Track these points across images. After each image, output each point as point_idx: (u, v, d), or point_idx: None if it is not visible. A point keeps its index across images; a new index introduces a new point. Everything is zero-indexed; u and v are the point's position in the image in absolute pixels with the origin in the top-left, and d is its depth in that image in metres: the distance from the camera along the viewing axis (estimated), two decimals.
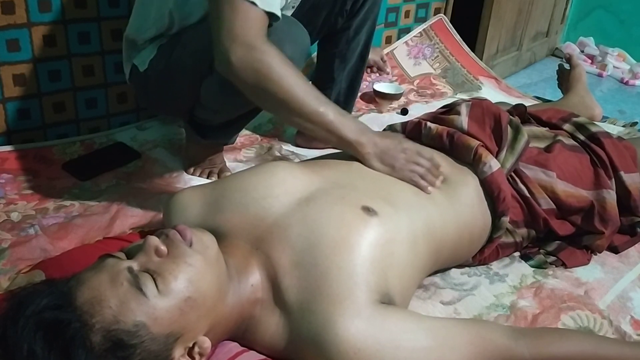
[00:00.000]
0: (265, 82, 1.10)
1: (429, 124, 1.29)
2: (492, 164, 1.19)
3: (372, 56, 2.19)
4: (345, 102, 1.80)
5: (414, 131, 1.30)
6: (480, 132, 1.25)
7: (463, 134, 1.24)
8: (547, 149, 1.31)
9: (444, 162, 1.20)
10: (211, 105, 1.40)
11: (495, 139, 1.26)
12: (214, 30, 1.13)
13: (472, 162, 1.21)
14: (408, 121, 1.34)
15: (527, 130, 1.30)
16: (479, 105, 1.30)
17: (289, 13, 1.50)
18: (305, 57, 1.33)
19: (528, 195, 1.24)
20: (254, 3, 1.11)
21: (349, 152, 1.16)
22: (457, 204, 1.15)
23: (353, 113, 1.99)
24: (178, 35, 1.39)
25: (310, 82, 1.81)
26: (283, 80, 1.10)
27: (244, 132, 1.86)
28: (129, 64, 1.49)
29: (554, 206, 1.25)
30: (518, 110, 1.45)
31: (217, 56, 1.13)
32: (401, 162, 1.14)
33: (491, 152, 1.23)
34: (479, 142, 1.22)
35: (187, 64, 1.35)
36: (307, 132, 1.18)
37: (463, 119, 1.27)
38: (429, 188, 1.13)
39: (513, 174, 1.25)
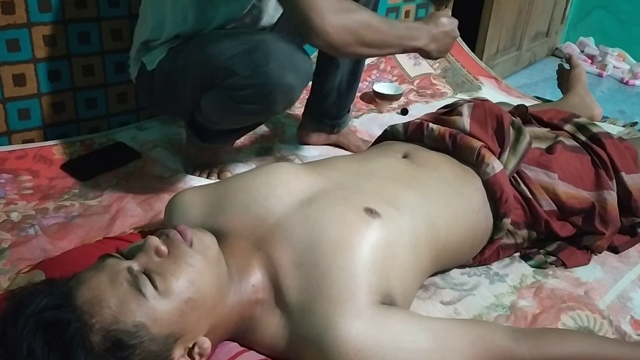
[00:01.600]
0: (360, 37, 1.20)
1: (431, 125, 1.29)
2: (495, 165, 1.19)
3: None
4: (348, 88, 1.80)
5: (416, 132, 1.30)
6: (482, 133, 1.25)
7: (466, 135, 1.24)
8: (549, 150, 1.30)
9: (448, 164, 1.20)
10: (210, 117, 1.41)
11: (498, 140, 1.26)
12: (298, 15, 1.18)
13: (475, 163, 1.21)
14: (410, 122, 1.34)
15: (528, 131, 1.30)
16: (480, 106, 1.30)
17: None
18: (306, 83, 1.36)
19: (530, 196, 1.24)
20: None
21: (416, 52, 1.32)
22: (461, 205, 1.14)
23: (353, 113, 1.98)
24: (189, 41, 1.39)
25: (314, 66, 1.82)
26: (373, 29, 1.21)
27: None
28: (138, 63, 1.48)
29: (555, 207, 1.25)
30: (519, 110, 1.45)
31: (309, 32, 1.18)
32: (447, 45, 1.34)
33: (494, 153, 1.22)
34: (481, 143, 1.22)
35: (188, 74, 1.35)
36: (383, 54, 1.31)
37: (465, 120, 1.27)
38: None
39: (515, 175, 1.25)
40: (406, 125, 1.33)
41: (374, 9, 1.73)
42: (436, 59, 1.33)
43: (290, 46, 1.28)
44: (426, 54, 1.32)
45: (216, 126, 1.45)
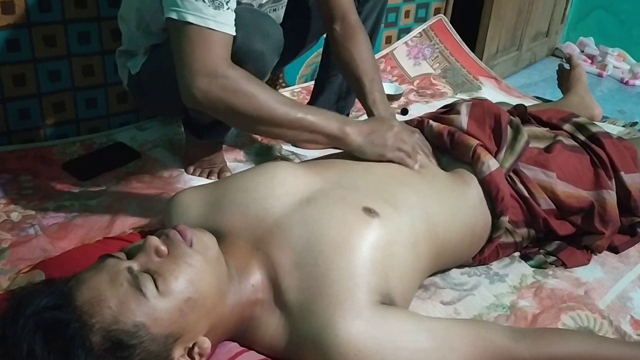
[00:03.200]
0: (234, 107, 1.12)
1: (431, 121, 1.29)
2: (491, 164, 1.19)
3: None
4: (348, 92, 1.80)
5: (417, 128, 1.31)
6: (480, 132, 1.25)
7: (463, 134, 1.24)
8: (547, 149, 1.30)
9: (444, 162, 1.21)
10: None
11: (495, 138, 1.26)
12: (176, 67, 1.15)
13: (470, 162, 1.21)
14: (411, 119, 1.34)
15: (527, 130, 1.30)
16: (479, 105, 1.30)
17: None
18: (278, 51, 1.32)
19: (527, 195, 1.24)
20: (210, 28, 1.11)
21: (337, 146, 1.17)
22: (459, 204, 1.15)
23: (353, 113, 1.99)
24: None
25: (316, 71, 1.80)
26: (252, 99, 1.11)
27: (244, 132, 1.86)
28: (125, 70, 1.50)
29: (553, 206, 1.25)
30: (518, 110, 1.45)
31: (182, 92, 1.15)
32: (390, 143, 1.16)
33: (490, 152, 1.23)
34: (477, 142, 1.22)
35: (170, 64, 1.36)
36: (290, 140, 1.19)
37: (463, 119, 1.27)
38: (416, 166, 1.16)
39: (513, 175, 1.25)
40: (406, 123, 1.33)
41: (380, 13, 1.73)
42: (370, 156, 1.15)
43: (257, 15, 1.26)
44: (351, 148, 1.16)
45: (206, 116, 1.46)
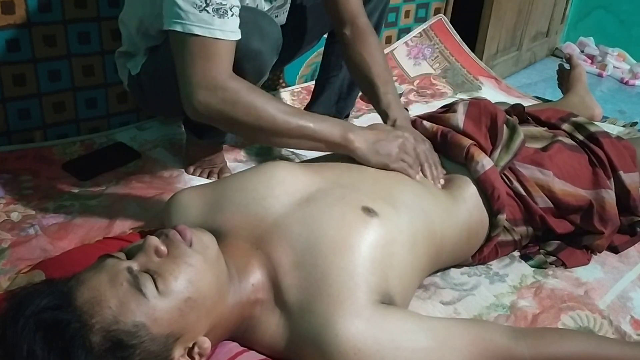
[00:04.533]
0: (234, 118, 1.12)
1: (424, 122, 1.29)
2: (485, 163, 1.20)
3: None
4: (348, 92, 1.80)
5: None
6: (476, 130, 1.25)
7: (457, 134, 1.25)
8: (545, 149, 1.31)
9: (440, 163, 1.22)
10: None
11: (491, 137, 1.26)
12: (178, 78, 1.15)
13: (464, 162, 1.21)
14: None
15: (524, 130, 1.30)
16: (476, 105, 1.30)
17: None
18: (277, 49, 1.32)
19: (524, 193, 1.24)
20: (216, 38, 1.11)
21: (341, 152, 1.16)
22: (456, 203, 1.15)
23: (353, 113, 1.99)
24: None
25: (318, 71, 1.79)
26: (252, 110, 1.11)
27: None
28: (125, 71, 1.50)
29: (551, 204, 1.25)
30: (516, 110, 1.45)
31: (183, 103, 1.15)
32: (396, 151, 1.15)
33: (485, 151, 1.23)
34: (471, 142, 1.23)
35: (169, 64, 1.36)
36: (293, 148, 1.19)
37: (459, 118, 1.27)
38: (418, 176, 1.16)
39: (509, 173, 1.25)
40: None
41: (382, 15, 1.73)
42: (374, 165, 1.14)
43: (256, 14, 1.26)
44: (355, 154, 1.15)
45: None
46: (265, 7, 1.41)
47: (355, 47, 1.40)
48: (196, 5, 1.10)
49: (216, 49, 1.12)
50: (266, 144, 1.22)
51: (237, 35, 1.15)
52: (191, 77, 1.11)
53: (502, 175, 1.23)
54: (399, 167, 1.15)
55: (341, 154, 1.19)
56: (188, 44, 1.12)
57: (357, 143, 1.14)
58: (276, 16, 1.48)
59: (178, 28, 1.12)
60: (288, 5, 1.50)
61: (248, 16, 1.22)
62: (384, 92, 1.34)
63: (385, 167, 1.14)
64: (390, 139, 1.17)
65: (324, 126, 1.15)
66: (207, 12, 1.10)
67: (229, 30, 1.13)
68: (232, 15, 1.14)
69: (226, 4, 1.12)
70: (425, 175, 1.18)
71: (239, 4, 1.16)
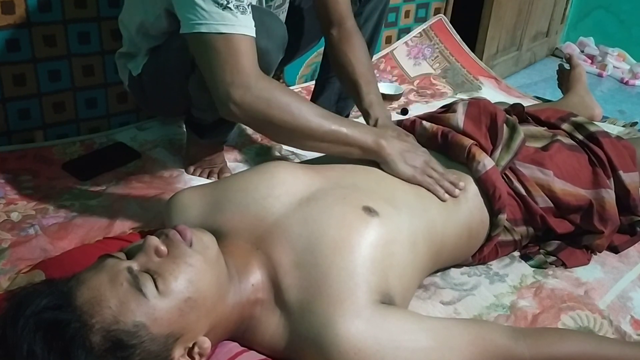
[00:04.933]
0: (270, 118, 1.11)
1: (424, 122, 1.29)
2: (486, 163, 1.20)
3: None
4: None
5: (408, 130, 1.30)
6: (476, 130, 1.25)
7: (457, 134, 1.24)
8: (545, 148, 1.31)
9: (440, 161, 1.21)
10: (198, 103, 1.41)
11: (491, 137, 1.26)
12: (208, 82, 1.13)
13: (466, 162, 1.21)
14: (403, 120, 1.34)
15: (524, 129, 1.30)
16: (475, 105, 1.30)
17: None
18: (283, 47, 1.32)
19: (524, 193, 1.24)
20: (241, 34, 1.10)
21: (371, 158, 1.16)
22: (457, 203, 1.15)
23: (353, 114, 1.99)
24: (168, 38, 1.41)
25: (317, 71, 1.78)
26: (287, 111, 1.11)
27: (244, 132, 1.86)
28: (126, 71, 1.50)
29: (551, 204, 1.25)
30: (516, 109, 1.45)
31: (218, 104, 1.13)
32: (421, 164, 1.16)
33: (486, 151, 1.23)
34: (472, 142, 1.22)
35: (171, 64, 1.37)
36: (325, 152, 1.18)
37: (459, 117, 1.27)
38: (446, 196, 1.13)
39: (509, 173, 1.25)
40: (399, 122, 1.33)
41: (381, 15, 1.73)
42: (400, 172, 1.14)
43: (261, 12, 1.26)
44: (385, 161, 1.14)
45: (209, 115, 1.46)
46: (264, 6, 1.41)
47: (341, 47, 1.43)
48: (218, 4, 1.09)
49: (245, 46, 1.11)
50: (295, 146, 1.21)
51: (255, 32, 1.15)
52: (224, 76, 1.09)
53: (503, 174, 1.23)
54: (425, 181, 1.14)
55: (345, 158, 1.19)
56: (216, 44, 1.10)
57: (388, 150, 1.14)
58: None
59: (203, 29, 1.10)
60: (287, 5, 1.51)
61: (254, 14, 1.22)
62: (367, 92, 1.36)
63: (411, 178, 1.14)
64: (419, 154, 1.18)
65: (357, 131, 1.15)
66: (230, 9, 1.09)
67: (250, 26, 1.13)
68: (250, 13, 1.14)
69: (244, 1, 1.12)
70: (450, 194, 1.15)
71: (250, 0, 1.16)
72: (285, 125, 1.11)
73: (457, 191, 1.15)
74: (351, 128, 1.15)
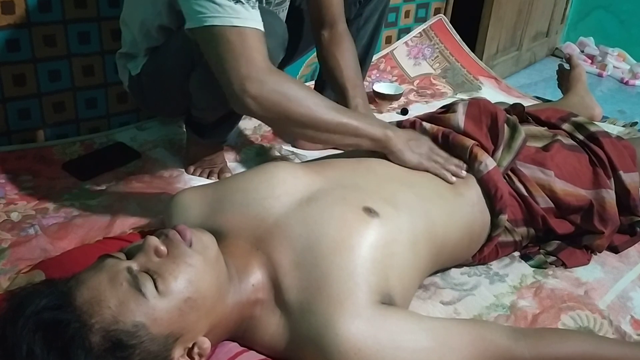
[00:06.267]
0: (286, 110, 1.11)
1: (424, 123, 1.29)
2: (488, 163, 1.20)
3: None
4: None
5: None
6: (476, 130, 1.25)
7: (458, 134, 1.24)
8: (546, 148, 1.31)
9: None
10: (199, 102, 1.41)
11: (492, 137, 1.26)
12: (221, 77, 1.13)
13: (467, 162, 1.21)
14: (403, 120, 1.34)
15: (525, 129, 1.30)
16: (476, 105, 1.30)
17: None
18: (283, 47, 1.33)
19: (526, 194, 1.24)
20: (252, 27, 1.10)
21: (379, 149, 1.17)
22: (457, 203, 1.15)
23: None
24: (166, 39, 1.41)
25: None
26: (303, 104, 1.12)
27: (244, 132, 1.86)
28: (126, 71, 1.50)
29: (552, 205, 1.25)
30: (516, 109, 1.45)
31: (232, 100, 1.13)
32: (426, 151, 1.19)
33: (487, 151, 1.23)
34: (474, 142, 1.22)
35: (171, 63, 1.37)
36: (334, 143, 1.20)
37: (459, 118, 1.27)
38: (453, 178, 1.17)
39: (510, 173, 1.25)
40: (399, 123, 1.33)
41: (382, 15, 1.73)
42: (408, 161, 1.16)
43: (262, 11, 1.25)
44: (393, 151, 1.17)
45: (209, 114, 1.46)
46: (263, 4, 1.40)
47: (330, 49, 1.45)
48: None
49: (257, 39, 1.11)
50: (305, 138, 1.22)
51: (260, 25, 1.14)
52: (239, 70, 1.09)
53: (504, 175, 1.23)
54: (432, 166, 1.17)
55: (341, 154, 1.19)
56: (230, 37, 1.09)
57: (395, 140, 1.16)
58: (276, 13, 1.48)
59: (217, 22, 1.09)
60: (287, 4, 1.51)
61: None
62: (353, 96, 1.39)
63: (418, 166, 1.16)
64: (422, 142, 1.21)
65: (366, 123, 1.17)
66: (242, 3, 1.09)
67: (260, 20, 1.13)
68: (257, 8, 1.14)
69: None
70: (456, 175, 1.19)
71: None
72: (301, 118, 1.12)
73: (463, 172, 1.18)
74: (360, 120, 1.17)
